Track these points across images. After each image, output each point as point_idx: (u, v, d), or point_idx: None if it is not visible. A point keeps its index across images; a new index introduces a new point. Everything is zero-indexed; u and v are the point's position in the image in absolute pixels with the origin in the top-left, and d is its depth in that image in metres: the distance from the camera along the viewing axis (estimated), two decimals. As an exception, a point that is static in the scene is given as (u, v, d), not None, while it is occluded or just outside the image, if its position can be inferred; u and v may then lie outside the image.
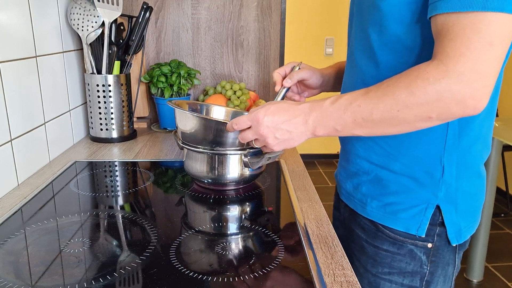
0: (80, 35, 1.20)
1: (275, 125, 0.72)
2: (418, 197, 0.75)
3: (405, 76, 0.62)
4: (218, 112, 1.05)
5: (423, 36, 0.67)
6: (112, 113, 1.25)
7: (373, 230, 0.81)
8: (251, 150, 0.88)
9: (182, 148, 0.93)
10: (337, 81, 0.97)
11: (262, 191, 0.94)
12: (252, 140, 0.78)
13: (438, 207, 0.75)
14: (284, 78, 0.92)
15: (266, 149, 0.78)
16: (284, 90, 0.91)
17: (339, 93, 0.90)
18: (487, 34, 0.57)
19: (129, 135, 1.31)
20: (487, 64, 0.58)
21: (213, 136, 0.86)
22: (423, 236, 0.76)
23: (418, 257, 0.78)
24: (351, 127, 0.67)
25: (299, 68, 0.93)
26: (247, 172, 0.91)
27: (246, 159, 0.88)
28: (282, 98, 0.92)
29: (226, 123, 0.82)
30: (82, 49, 1.30)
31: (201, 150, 0.89)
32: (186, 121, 0.89)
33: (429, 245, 0.77)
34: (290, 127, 0.72)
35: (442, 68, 0.59)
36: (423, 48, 0.68)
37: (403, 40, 0.69)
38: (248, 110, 1.35)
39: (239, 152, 0.88)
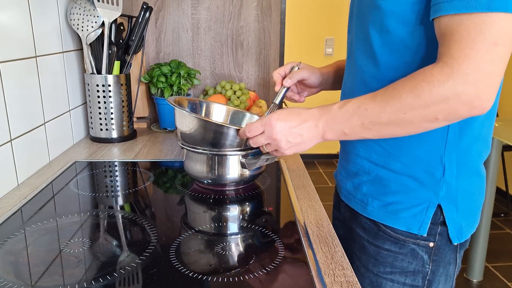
0: (80, 35, 1.20)
1: (288, 129, 0.74)
2: (419, 197, 0.75)
3: (411, 79, 0.63)
4: (219, 111, 1.05)
5: (426, 37, 0.67)
6: (112, 113, 1.25)
7: (374, 229, 0.81)
8: (250, 151, 0.88)
9: (183, 148, 0.93)
10: (336, 80, 0.97)
11: (262, 191, 0.94)
12: (263, 146, 0.79)
13: (439, 206, 0.75)
14: (284, 78, 0.93)
15: (277, 153, 0.80)
16: (284, 89, 0.92)
17: (339, 92, 0.90)
18: (491, 35, 0.57)
19: (129, 135, 1.31)
20: (492, 64, 0.58)
21: (212, 138, 0.86)
22: (425, 235, 0.76)
23: (420, 256, 0.78)
24: (359, 131, 0.68)
25: (298, 68, 0.94)
26: (246, 172, 0.91)
27: (243, 160, 0.88)
28: (282, 98, 0.92)
29: (225, 125, 0.84)
30: (82, 49, 1.30)
31: (200, 150, 0.88)
32: (185, 122, 0.89)
33: (431, 244, 0.77)
34: (302, 131, 0.73)
35: (447, 70, 0.59)
36: (425, 49, 0.68)
37: (405, 41, 0.69)
38: (248, 110, 1.35)
39: (238, 152, 0.88)
